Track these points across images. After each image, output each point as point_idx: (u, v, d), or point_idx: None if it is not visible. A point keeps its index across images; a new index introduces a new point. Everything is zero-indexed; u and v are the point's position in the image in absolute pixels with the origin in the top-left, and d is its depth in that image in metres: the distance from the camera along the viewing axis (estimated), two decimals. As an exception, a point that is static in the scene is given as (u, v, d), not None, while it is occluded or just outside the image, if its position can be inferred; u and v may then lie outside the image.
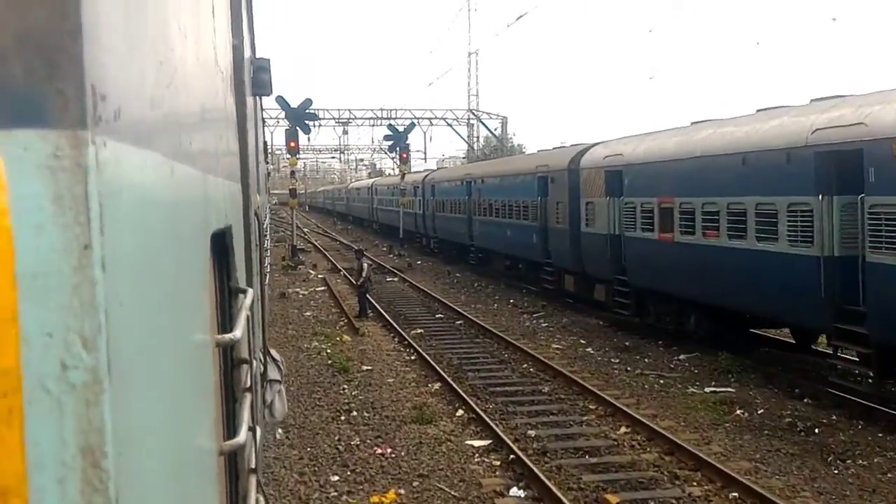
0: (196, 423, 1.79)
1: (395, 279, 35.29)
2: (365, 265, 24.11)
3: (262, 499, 3.19)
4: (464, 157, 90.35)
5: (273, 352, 6.60)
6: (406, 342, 20.07)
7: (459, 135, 79.99)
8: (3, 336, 0.68)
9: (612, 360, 17.99)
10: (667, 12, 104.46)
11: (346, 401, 14.83)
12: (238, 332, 2.53)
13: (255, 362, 3.96)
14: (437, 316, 24.67)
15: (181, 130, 1.69)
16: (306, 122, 38.14)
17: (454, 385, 15.03)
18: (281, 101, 37.43)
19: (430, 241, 45.99)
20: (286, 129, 38.13)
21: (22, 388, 0.72)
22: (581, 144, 25.49)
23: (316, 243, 58.54)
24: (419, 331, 21.81)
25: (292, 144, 37.87)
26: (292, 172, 40.61)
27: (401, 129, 49.20)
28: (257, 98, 8.13)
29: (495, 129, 74.63)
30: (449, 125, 77.79)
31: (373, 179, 74.08)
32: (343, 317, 24.73)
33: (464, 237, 37.97)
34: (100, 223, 0.94)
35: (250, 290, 3.19)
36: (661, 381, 16.00)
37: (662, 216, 18.18)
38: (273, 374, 6.27)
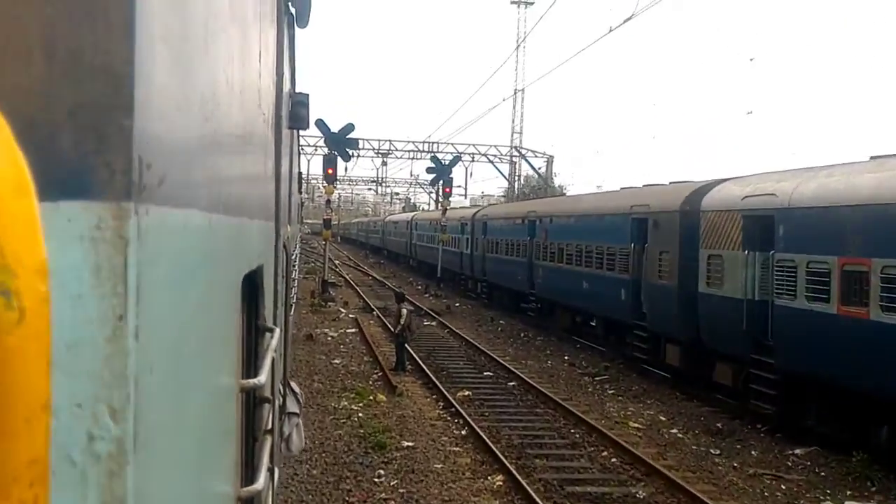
0: (217, 471, 1.78)
1: (433, 323, 32.08)
2: (404, 311, 20.92)
3: None
4: (502, 196, 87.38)
5: (293, 384, 6.47)
6: (452, 408, 16.80)
7: (501, 172, 77.20)
8: (35, 425, 0.66)
9: (711, 450, 14.54)
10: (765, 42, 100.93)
11: (383, 495, 11.56)
12: (262, 377, 2.54)
13: (276, 400, 3.68)
14: (484, 374, 21.36)
15: (221, 183, 1.68)
16: (346, 148, 35.33)
17: (522, 481, 11.68)
18: (321, 125, 34.72)
19: (477, 284, 41.64)
20: (324, 156, 35.33)
21: (48, 477, 0.69)
22: (692, 181, 20.61)
23: (347, 277, 55.59)
24: (466, 393, 18.53)
25: (330, 171, 35.04)
26: (328, 202, 37.52)
27: (445, 161, 46.28)
28: (294, 131, 7.83)
29: (539, 168, 71.51)
30: (490, 161, 74.98)
31: (412, 213, 70.64)
32: (377, 368, 21.53)
33: (522, 284, 32.86)
34: (136, 293, 0.96)
35: (277, 330, 3.16)
36: (783, 487, 12.56)
37: (846, 282, 13.39)
38: (292, 406, 6.16)
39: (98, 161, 0.93)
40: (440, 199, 46.68)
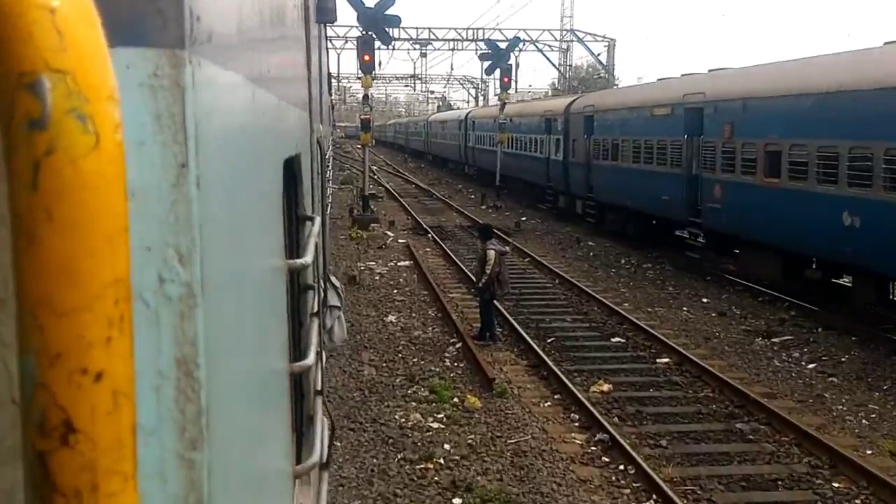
0: (272, 343, 1.86)
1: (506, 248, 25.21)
2: (492, 253, 13.92)
3: (326, 420, 3.13)
4: (555, 89, 78.50)
5: (333, 278, 6.69)
6: (596, 428, 10.04)
7: (551, 61, 68.65)
8: (117, 245, 0.71)
9: None
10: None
11: None
12: (308, 258, 2.59)
13: (319, 288, 3.65)
14: (613, 341, 14.51)
15: (262, 55, 1.70)
16: (386, 27, 27.82)
17: None
18: (354, 1, 27.25)
19: (575, 200, 30.22)
20: (358, 38, 27.83)
21: (131, 298, 0.72)
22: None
23: (388, 186, 48.64)
24: (604, 387, 11.72)
25: (367, 58, 27.64)
26: (365, 97, 29.93)
27: (502, 45, 38.42)
28: (321, 25, 7.21)
29: (598, 55, 62.83)
30: (539, 50, 66.38)
31: (468, 109, 60.52)
32: (453, 333, 14.80)
33: (674, 208, 21.52)
34: (195, 143, 0.99)
35: (317, 218, 3.21)
36: None
37: None
38: (333, 300, 6.28)
39: (151, 8, 0.94)
40: (498, 92, 39.00)
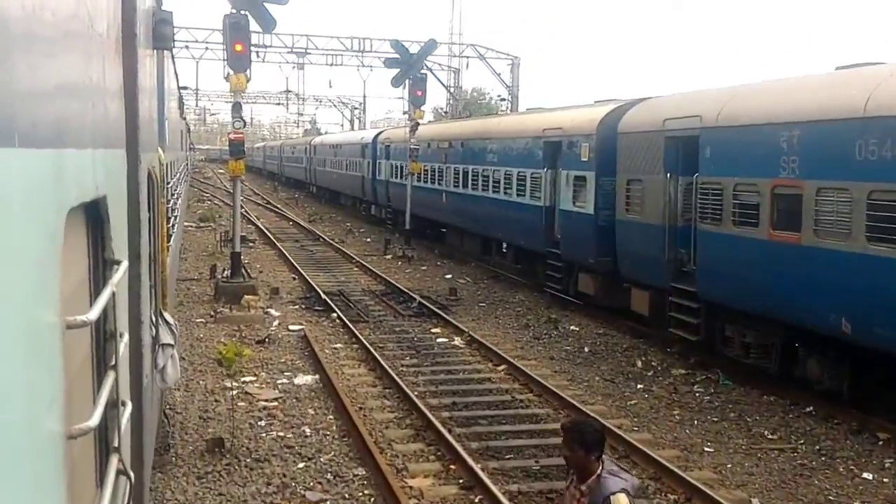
0: (36, 405, 1.76)
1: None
2: (623, 500, 5.43)
3: (126, 478, 2.80)
4: (444, 113, 70.58)
5: (167, 315, 6.46)
6: None
7: (441, 81, 60.76)
8: None
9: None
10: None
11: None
12: (92, 314, 2.33)
13: (125, 334, 3.31)
14: None
15: (14, 111, 1.60)
16: (265, 3, 18.92)
17: None
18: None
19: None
20: (227, 20, 18.65)
21: None
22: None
23: (260, 223, 39.14)
24: None
25: (238, 48, 18.53)
26: (236, 106, 20.38)
27: (413, 50, 30.02)
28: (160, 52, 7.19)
29: (500, 74, 55.36)
30: (429, 69, 58.44)
31: (376, 130, 46.62)
32: None
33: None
34: None
35: (124, 263, 3.01)
36: None
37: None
38: (166, 338, 6.13)
39: None
40: (407, 110, 30.47)
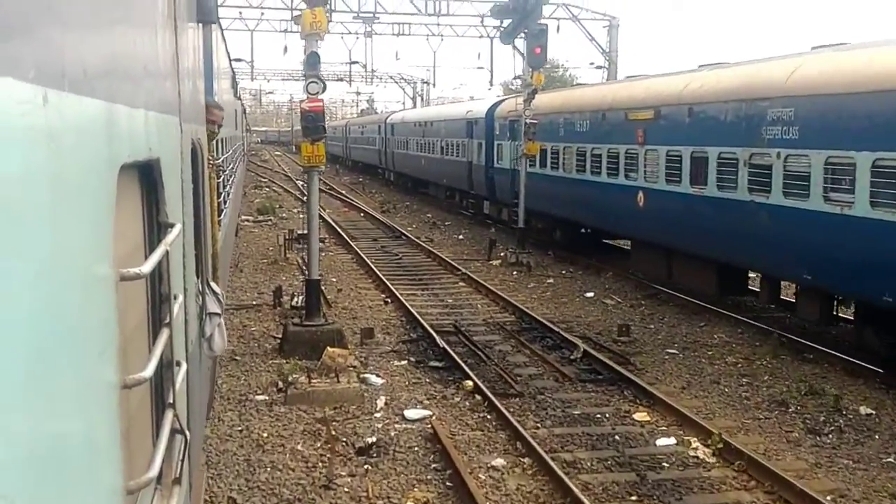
0: (92, 353, 1.76)
1: (702, 455, 9.93)
2: None
3: (181, 436, 2.88)
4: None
5: (213, 285, 6.30)
6: None
7: (521, 52, 53.48)
8: None
9: None
10: None
11: None
12: (145, 268, 2.36)
13: (180, 296, 3.42)
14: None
15: (63, 54, 1.55)
16: None
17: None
18: None
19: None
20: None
21: None
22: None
23: (326, 214, 32.57)
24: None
25: None
26: (312, 57, 13.67)
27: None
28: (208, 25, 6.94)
29: (592, 39, 48.06)
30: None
31: (484, 101, 35.25)
32: None
33: None
34: None
35: (178, 226, 3.04)
36: None
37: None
38: (213, 307, 6.00)
39: None
40: (521, 73, 23.76)
